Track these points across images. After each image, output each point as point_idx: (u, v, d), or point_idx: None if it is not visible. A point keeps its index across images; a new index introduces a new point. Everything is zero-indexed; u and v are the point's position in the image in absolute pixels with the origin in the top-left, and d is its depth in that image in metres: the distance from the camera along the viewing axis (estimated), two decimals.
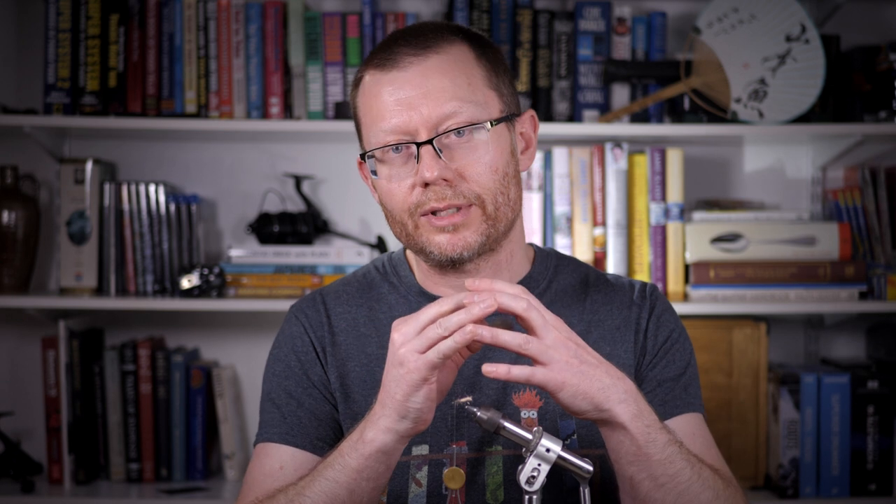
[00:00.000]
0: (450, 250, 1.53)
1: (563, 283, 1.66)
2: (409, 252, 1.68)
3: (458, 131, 1.51)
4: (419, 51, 1.53)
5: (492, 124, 1.53)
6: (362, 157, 1.58)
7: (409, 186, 1.53)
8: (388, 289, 1.66)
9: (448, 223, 1.52)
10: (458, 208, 1.52)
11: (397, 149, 1.53)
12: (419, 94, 1.51)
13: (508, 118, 1.57)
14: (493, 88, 1.56)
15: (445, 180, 1.51)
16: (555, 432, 1.55)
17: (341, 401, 1.60)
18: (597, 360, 1.39)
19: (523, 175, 1.80)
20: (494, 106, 1.56)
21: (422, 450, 1.56)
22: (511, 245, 1.61)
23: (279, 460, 1.58)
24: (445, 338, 1.34)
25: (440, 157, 1.50)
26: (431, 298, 1.61)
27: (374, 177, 1.56)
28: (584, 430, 1.57)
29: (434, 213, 1.52)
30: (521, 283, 1.63)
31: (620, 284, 1.68)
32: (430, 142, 1.50)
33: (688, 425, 1.60)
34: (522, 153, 1.61)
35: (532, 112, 1.64)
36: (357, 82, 1.59)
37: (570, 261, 1.71)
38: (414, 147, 1.51)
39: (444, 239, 1.53)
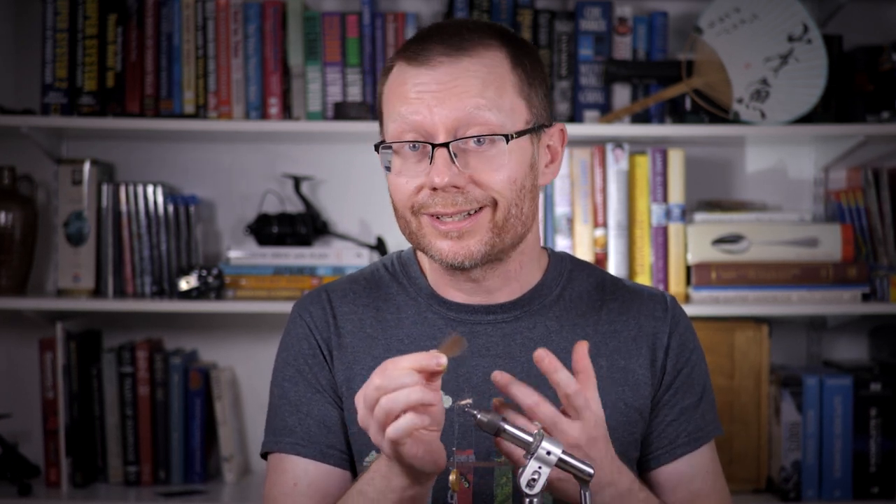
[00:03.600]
0: (451, 257, 1.50)
1: (578, 289, 1.63)
2: (419, 252, 1.65)
3: (478, 140, 1.47)
4: (452, 51, 1.48)
5: (512, 137, 1.48)
6: (376, 148, 1.54)
7: (416, 186, 1.49)
8: (396, 289, 1.63)
9: (453, 229, 1.49)
10: (468, 213, 1.49)
11: (413, 146, 1.49)
12: (443, 91, 1.47)
13: (534, 129, 1.52)
14: (523, 98, 1.51)
15: (456, 187, 1.47)
16: None
17: (346, 404, 1.58)
18: (611, 456, 1.42)
19: None
20: (521, 116, 1.51)
21: None
22: (521, 256, 1.58)
23: (293, 476, 1.57)
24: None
25: (454, 163, 1.46)
26: (442, 301, 1.60)
27: (386, 170, 1.52)
28: None
29: (438, 216, 1.49)
30: (533, 291, 1.60)
31: (638, 292, 1.65)
32: (445, 145, 1.46)
33: (702, 462, 1.63)
34: (546, 166, 1.57)
35: (562, 126, 1.59)
36: (386, 72, 1.55)
37: (585, 266, 1.67)
38: (429, 147, 1.47)
39: (446, 245, 1.50)
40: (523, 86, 1.51)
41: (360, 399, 1.33)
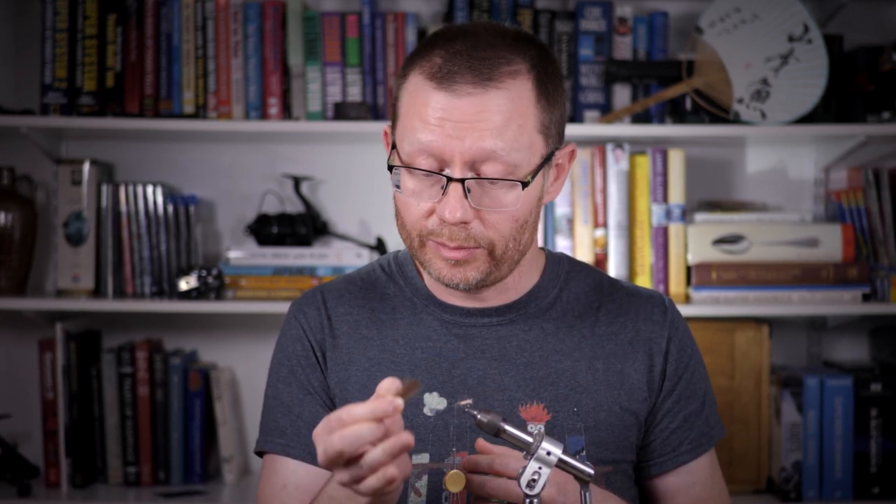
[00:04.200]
0: (448, 280, 1.51)
1: (575, 291, 1.62)
2: None
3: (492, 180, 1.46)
4: (481, 82, 1.44)
5: (528, 182, 1.46)
6: (389, 168, 1.51)
7: (426, 209, 1.48)
8: (393, 289, 1.63)
9: (452, 258, 1.49)
10: (465, 247, 1.48)
11: (427, 172, 1.47)
12: (466, 124, 1.44)
13: (548, 159, 1.51)
14: (542, 132, 1.49)
15: (464, 222, 1.46)
16: None
17: (340, 405, 1.57)
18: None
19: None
20: (538, 151, 1.49)
21: (422, 459, 1.54)
22: (519, 268, 1.58)
23: (283, 477, 1.58)
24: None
25: (466, 198, 1.45)
26: (438, 303, 1.59)
27: (396, 189, 1.50)
28: (593, 447, 1.55)
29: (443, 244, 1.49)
30: (530, 293, 1.60)
31: (636, 294, 1.64)
32: (461, 181, 1.45)
33: (703, 468, 1.63)
34: (552, 183, 1.56)
35: (573, 147, 1.57)
36: (405, 74, 1.51)
37: (582, 267, 1.67)
38: (443, 177, 1.46)
39: (445, 268, 1.50)
40: (544, 118, 1.49)
41: (321, 448, 1.29)
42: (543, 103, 1.49)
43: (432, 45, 1.49)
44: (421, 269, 1.63)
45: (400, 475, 1.30)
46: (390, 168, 1.51)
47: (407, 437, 1.28)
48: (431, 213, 1.48)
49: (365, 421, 1.27)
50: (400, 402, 1.28)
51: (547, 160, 1.51)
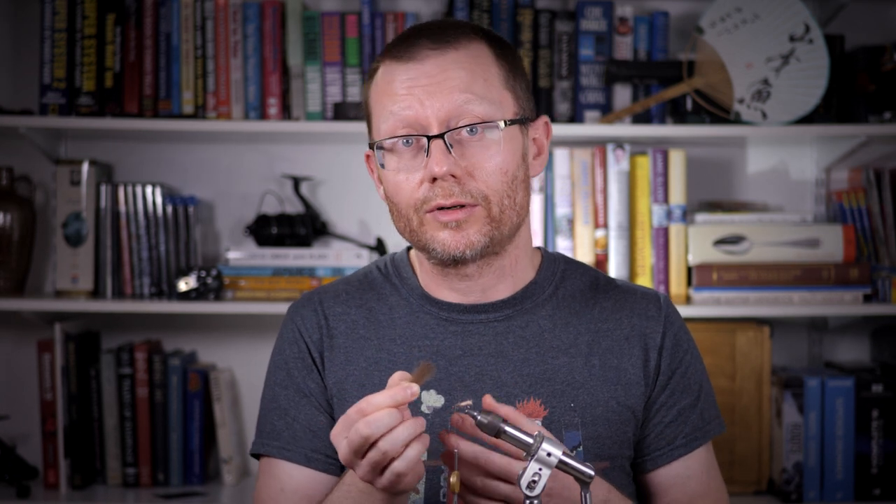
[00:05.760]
0: (453, 247, 1.51)
1: (571, 288, 1.63)
2: (412, 253, 1.66)
3: (471, 129, 1.50)
4: (438, 45, 1.51)
5: (505, 124, 1.51)
6: (371, 147, 1.56)
7: (417, 181, 1.51)
8: (389, 290, 1.64)
9: (452, 219, 1.50)
10: (463, 206, 1.50)
11: (407, 142, 1.51)
12: (434, 85, 1.50)
13: (522, 121, 1.56)
14: (508, 89, 1.55)
15: (454, 176, 1.49)
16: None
17: (337, 406, 1.59)
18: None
19: None
20: (509, 107, 1.54)
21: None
22: (516, 251, 1.59)
23: (279, 481, 1.59)
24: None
25: (450, 153, 1.49)
26: (434, 301, 1.60)
27: (382, 169, 1.54)
28: (590, 441, 1.56)
29: (441, 208, 1.50)
30: (526, 289, 1.61)
31: (631, 291, 1.65)
32: (441, 136, 1.49)
33: (698, 463, 1.63)
34: (534, 158, 1.59)
35: (546, 119, 1.62)
36: (371, 74, 1.58)
37: (578, 265, 1.68)
38: (424, 140, 1.50)
39: (447, 235, 1.51)
40: (508, 77, 1.55)
41: (344, 443, 1.34)
42: (504, 63, 1.55)
43: (391, 44, 1.57)
44: (416, 269, 1.64)
45: (414, 472, 1.34)
46: (371, 147, 1.55)
47: (421, 420, 1.34)
48: (422, 182, 1.51)
49: (387, 408, 1.31)
50: (416, 388, 1.33)
51: (521, 122, 1.55)
